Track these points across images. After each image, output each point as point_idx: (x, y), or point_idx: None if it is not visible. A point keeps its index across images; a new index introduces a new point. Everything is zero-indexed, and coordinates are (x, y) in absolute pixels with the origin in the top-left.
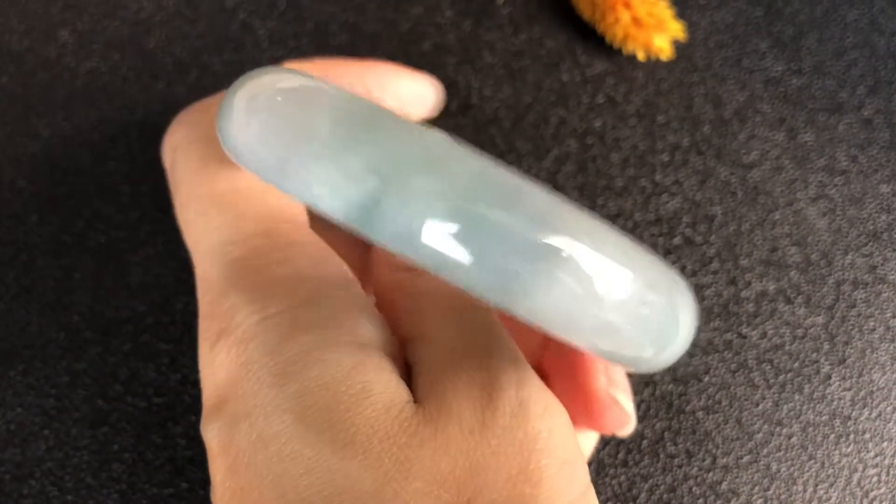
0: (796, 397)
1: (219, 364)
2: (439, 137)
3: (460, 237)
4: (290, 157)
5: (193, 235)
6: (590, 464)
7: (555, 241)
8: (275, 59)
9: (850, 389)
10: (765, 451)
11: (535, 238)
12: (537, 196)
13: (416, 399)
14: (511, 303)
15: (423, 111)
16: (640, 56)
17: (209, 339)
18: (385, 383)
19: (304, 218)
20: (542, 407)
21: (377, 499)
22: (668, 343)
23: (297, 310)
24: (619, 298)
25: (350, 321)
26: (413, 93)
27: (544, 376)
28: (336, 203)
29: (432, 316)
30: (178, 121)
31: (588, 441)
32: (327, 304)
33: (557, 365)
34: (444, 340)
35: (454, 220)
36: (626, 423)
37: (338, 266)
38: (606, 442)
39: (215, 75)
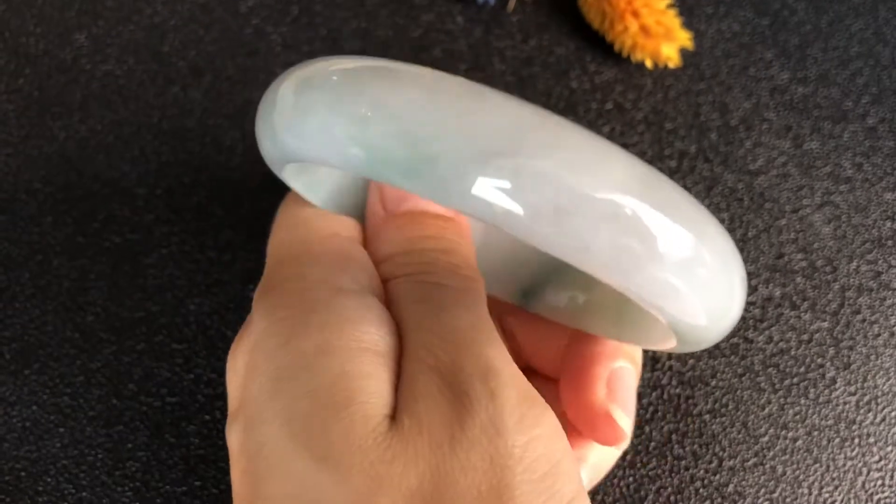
0: (802, 401)
1: (238, 367)
2: (488, 90)
3: (514, 193)
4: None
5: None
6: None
7: (615, 198)
8: (288, 65)
9: (854, 394)
10: (770, 453)
11: (595, 195)
12: (591, 145)
13: (396, 410)
14: (572, 258)
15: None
16: (649, 64)
17: (235, 342)
18: (370, 392)
19: (352, 232)
20: (515, 418)
21: None
22: (723, 312)
23: (300, 315)
24: (679, 258)
25: (353, 326)
26: None
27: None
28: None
29: (412, 324)
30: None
31: (609, 454)
32: (334, 310)
33: (568, 370)
34: (423, 350)
35: (508, 178)
36: (618, 438)
37: (358, 273)
38: None
39: (229, 80)
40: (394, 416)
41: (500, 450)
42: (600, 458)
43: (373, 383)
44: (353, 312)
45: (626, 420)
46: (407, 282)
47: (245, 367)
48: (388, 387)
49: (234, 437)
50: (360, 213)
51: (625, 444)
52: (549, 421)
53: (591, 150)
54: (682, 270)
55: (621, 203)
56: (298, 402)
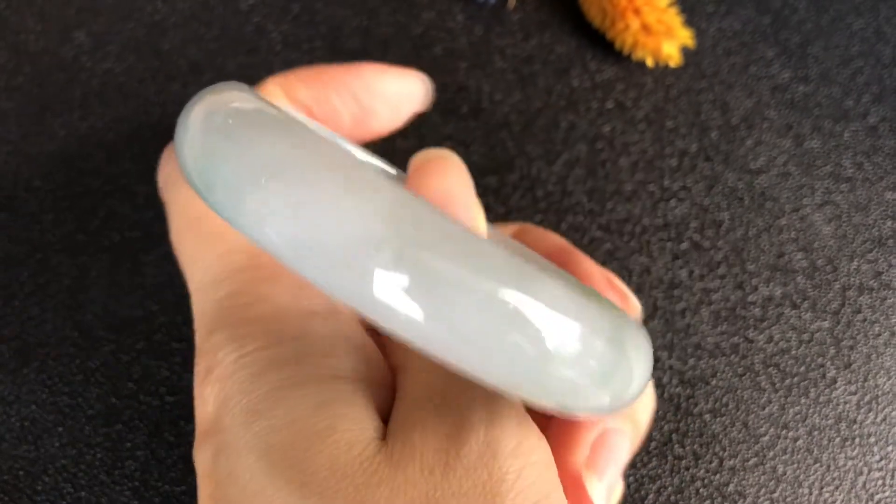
0: (802, 401)
1: (206, 397)
2: (385, 181)
3: (409, 290)
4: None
5: (187, 271)
6: None
7: (502, 294)
8: (288, 62)
9: (855, 393)
10: (771, 453)
11: (483, 290)
12: (477, 244)
13: (388, 434)
14: (457, 359)
15: (413, 108)
16: (650, 62)
17: (199, 374)
18: (353, 419)
19: None
20: (512, 445)
21: None
22: (624, 389)
23: (271, 348)
24: (569, 353)
25: (325, 354)
26: (401, 91)
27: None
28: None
29: (403, 349)
30: (167, 154)
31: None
32: (303, 339)
33: (555, 421)
34: (421, 374)
35: (402, 271)
36: None
37: (321, 294)
38: None
39: (229, 77)
40: (383, 439)
41: (494, 475)
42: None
43: (354, 410)
44: (324, 342)
45: (599, 491)
46: None
47: (215, 398)
48: (370, 413)
49: (203, 462)
50: None
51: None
52: (543, 451)
53: (469, 244)
54: (574, 365)
55: (504, 299)
56: (277, 433)
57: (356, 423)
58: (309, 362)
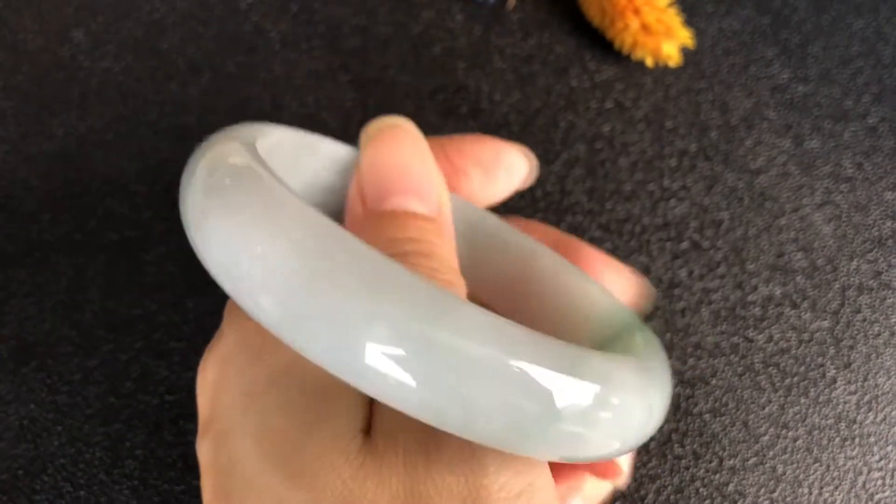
0: (802, 401)
1: (208, 381)
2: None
3: (404, 361)
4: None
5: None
6: None
7: (505, 360)
8: (287, 62)
9: (855, 393)
10: (771, 453)
11: (482, 357)
12: (472, 312)
13: (372, 427)
14: (461, 429)
15: (522, 180)
16: (649, 62)
17: (205, 355)
18: (345, 410)
19: None
20: None
21: None
22: (636, 436)
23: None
24: (578, 410)
25: None
26: (516, 163)
27: None
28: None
29: None
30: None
31: (603, 486)
32: None
33: None
34: None
35: (397, 344)
36: None
37: None
38: None
39: (228, 76)
40: (368, 432)
41: (475, 469)
42: (595, 490)
43: (344, 400)
44: None
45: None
46: None
47: (215, 381)
48: (360, 403)
49: (205, 452)
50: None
51: (623, 479)
52: None
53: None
54: (585, 420)
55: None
56: (270, 417)
57: (346, 413)
58: None
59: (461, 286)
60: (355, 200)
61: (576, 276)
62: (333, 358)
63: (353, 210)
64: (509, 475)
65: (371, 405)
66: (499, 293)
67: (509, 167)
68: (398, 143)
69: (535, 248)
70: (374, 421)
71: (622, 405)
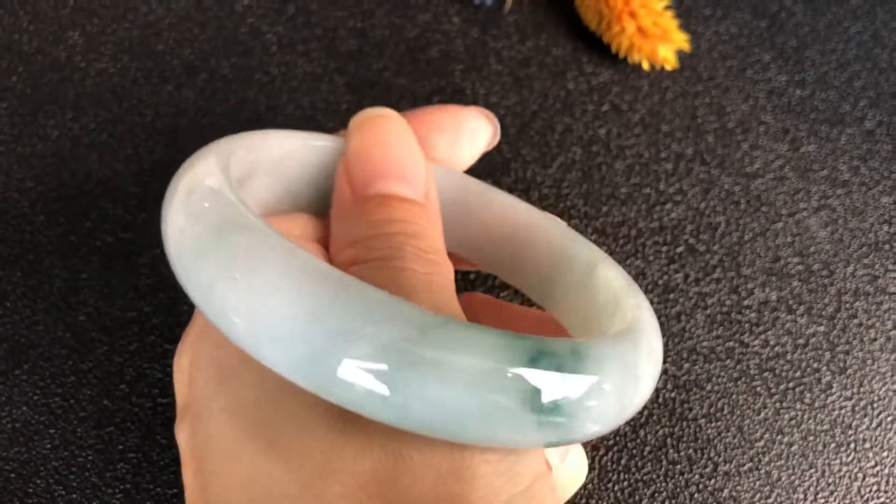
0: (797, 406)
1: (182, 365)
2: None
3: (387, 377)
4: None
5: None
6: (592, 469)
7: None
8: (283, 64)
9: (850, 399)
10: (766, 458)
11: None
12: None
13: None
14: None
15: (487, 143)
16: (645, 66)
17: (179, 345)
18: None
19: (303, 230)
20: None
21: (298, 503)
22: (620, 417)
23: None
24: (564, 401)
25: None
26: (478, 126)
27: None
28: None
29: None
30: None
31: (577, 474)
32: None
33: None
34: None
35: (381, 361)
36: None
37: None
38: (609, 448)
39: (224, 79)
40: None
41: None
42: (579, 466)
43: None
44: None
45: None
46: (373, 266)
47: (190, 363)
48: None
49: (183, 436)
50: (313, 208)
51: (583, 475)
52: None
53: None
54: (571, 409)
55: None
56: (245, 391)
57: None
58: None
59: (448, 267)
60: (343, 186)
61: (553, 224)
62: (304, 372)
63: (341, 195)
64: None
65: None
66: (488, 249)
67: (472, 130)
68: (385, 131)
69: (514, 203)
70: None
71: (610, 396)
